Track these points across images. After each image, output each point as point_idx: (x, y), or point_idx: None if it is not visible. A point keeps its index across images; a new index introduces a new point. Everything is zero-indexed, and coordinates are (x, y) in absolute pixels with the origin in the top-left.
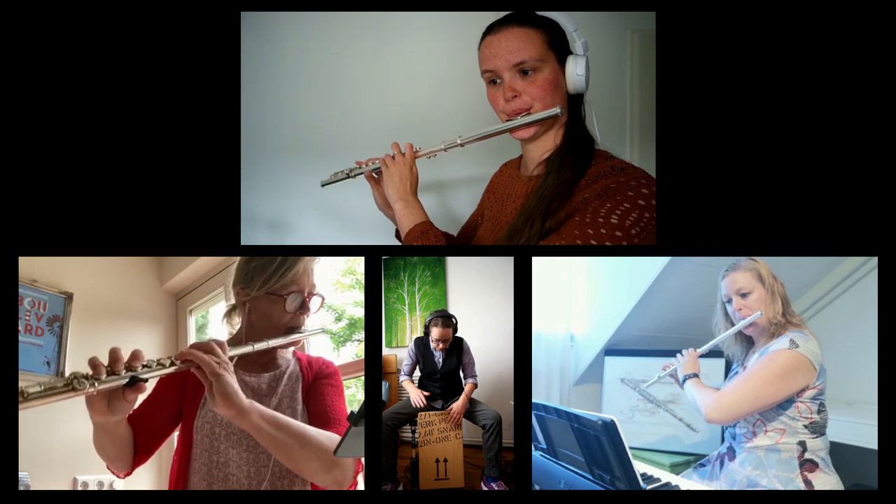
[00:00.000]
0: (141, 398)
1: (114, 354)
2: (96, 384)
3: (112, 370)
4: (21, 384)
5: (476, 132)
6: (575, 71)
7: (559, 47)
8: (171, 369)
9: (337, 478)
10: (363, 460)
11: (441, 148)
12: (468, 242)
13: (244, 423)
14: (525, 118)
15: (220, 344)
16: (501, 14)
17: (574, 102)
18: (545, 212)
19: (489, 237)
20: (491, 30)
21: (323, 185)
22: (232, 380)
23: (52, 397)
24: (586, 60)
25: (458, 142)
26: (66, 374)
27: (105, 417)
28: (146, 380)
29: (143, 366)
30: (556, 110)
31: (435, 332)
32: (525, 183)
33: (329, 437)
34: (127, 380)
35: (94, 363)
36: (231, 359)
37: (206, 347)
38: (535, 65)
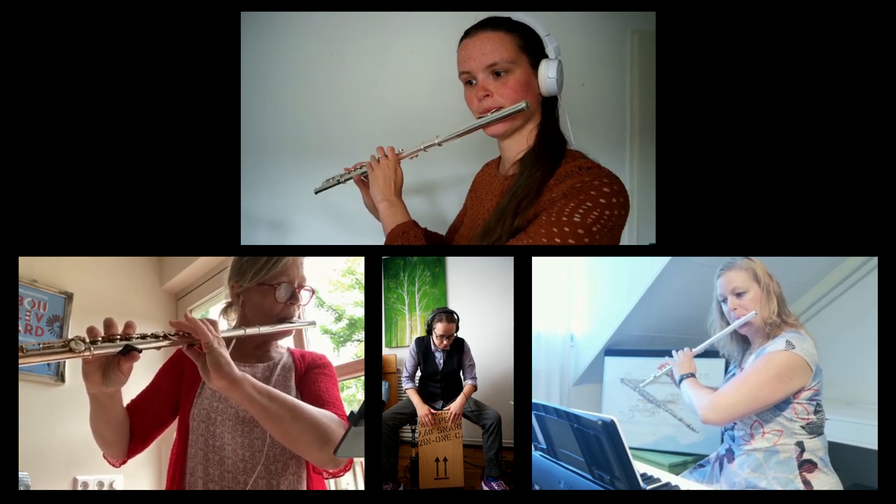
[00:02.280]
0: (140, 387)
1: (108, 323)
2: (92, 348)
3: (107, 338)
4: (21, 341)
5: (451, 131)
6: (546, 74)
7: (532, 51)
8: (165, 343)
9: (330, 454)
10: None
11: (421, 148)
12: (454, 241)
13: (237, 394)
14: (493, 115)
15: (211, 321)
16: (499, 14)
17: (548, 104)
18: (515, 210)
19: (468, 234)
20: (467, 34)
21: (316, 193)
22: (224, 352)
23: (49, 356)
24: (558, 64)
25: (437, 141)
26: (67, 373)
27: (100, 389)
28: (140, 350)
29: (138, 336)
30: (522, 105)
31: (439, 328)
32: (501, 182)
33: (322, 413)
34: (121, 347)
35: (90, 330)
36: (227, 342)
37: (201, 321)
38: (507, 66)
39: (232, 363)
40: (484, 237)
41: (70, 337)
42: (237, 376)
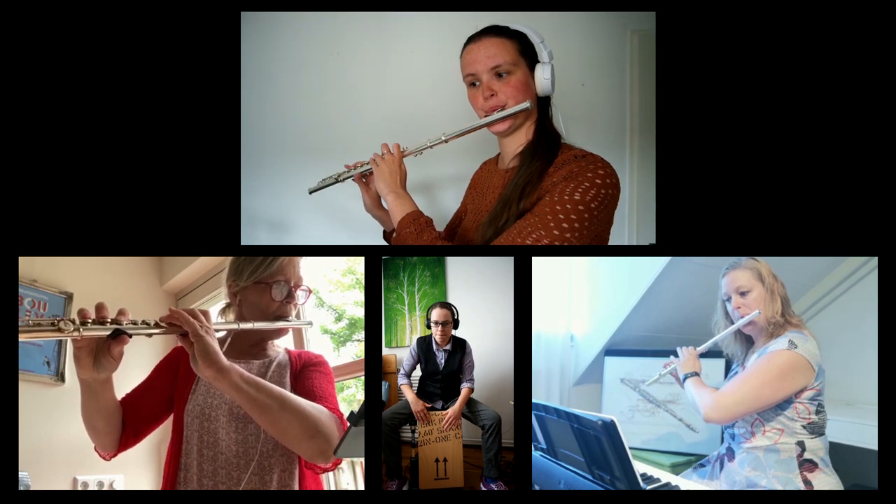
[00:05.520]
0: (135, 382)
1: (100, 307)
2: (81, 329)
3: (98, 321)
4: None
5: (458, 128)
6: (542, 76)
7: (529, 55)
8: (156, 330)
9: (321, 446)
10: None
11: (427, 145)
12: (453, 238)
13: (225, 383)
14: (500, 113)
15: (203, 312)
16: (500, 14)
17: (543, 103)
18: (520, 196)
19: (472, 227)
20: (472, 39)
21: (311, 192)
22: (213, 342)
23: (37, 333)
24: (551, 67)
25: (443, 138)
26: (67, 373)
27: (91, 374)
28: (130, 334)
29: (129, 322)
30: (526, 104)
31: (434, 314)
32: (502, 175)
33: (311, 405)
34: (111, 331)
35: (81, 312)
36: (223, 340)
37: (190, 311)
38: (509, 68)
39: (220, 352)
40: (490, 224)
41: (60, 317)
42: (224, 365)
